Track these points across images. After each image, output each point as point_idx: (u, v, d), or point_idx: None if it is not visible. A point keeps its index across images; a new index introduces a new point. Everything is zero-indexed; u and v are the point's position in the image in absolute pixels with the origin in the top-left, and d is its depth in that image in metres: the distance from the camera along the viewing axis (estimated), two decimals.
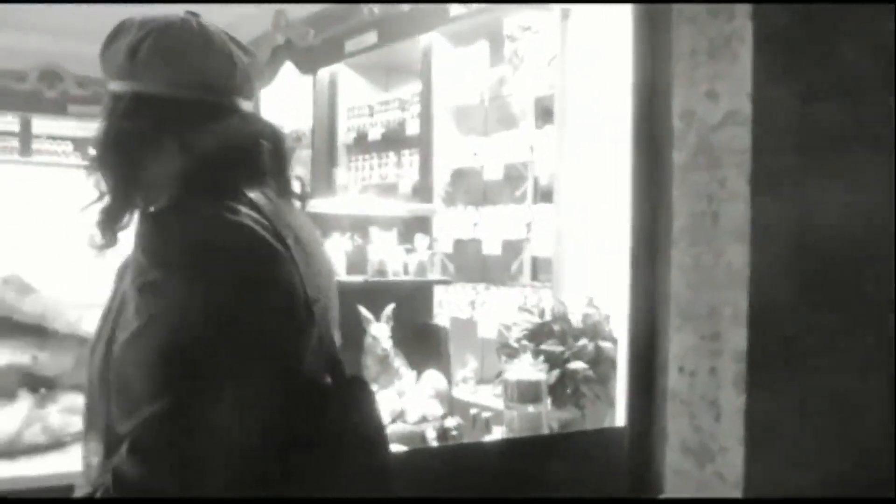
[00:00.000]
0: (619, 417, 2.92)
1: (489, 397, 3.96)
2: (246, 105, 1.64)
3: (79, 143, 8.83)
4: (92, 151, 1.61)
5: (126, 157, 1.57)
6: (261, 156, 1.60)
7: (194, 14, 1.63)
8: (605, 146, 3.71)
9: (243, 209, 1.48)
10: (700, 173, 2.07)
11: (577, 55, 4.08)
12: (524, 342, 3.05)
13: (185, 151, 1.53)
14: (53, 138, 8.74)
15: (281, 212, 1.56)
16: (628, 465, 2.24)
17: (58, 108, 8.09)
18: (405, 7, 5.16)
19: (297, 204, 1.68)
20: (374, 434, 1.63)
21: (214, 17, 1.68)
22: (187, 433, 1.36)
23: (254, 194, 1.52)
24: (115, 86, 1.59)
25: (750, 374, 1.96)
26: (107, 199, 1.59)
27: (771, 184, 1.99)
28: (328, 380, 1.58)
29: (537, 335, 3.13)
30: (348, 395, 1.60)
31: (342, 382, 1.60)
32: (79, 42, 7.14)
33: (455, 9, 4.90)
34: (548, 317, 3.21)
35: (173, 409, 1.36)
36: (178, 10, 1.65)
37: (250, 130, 1.61)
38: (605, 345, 3.09)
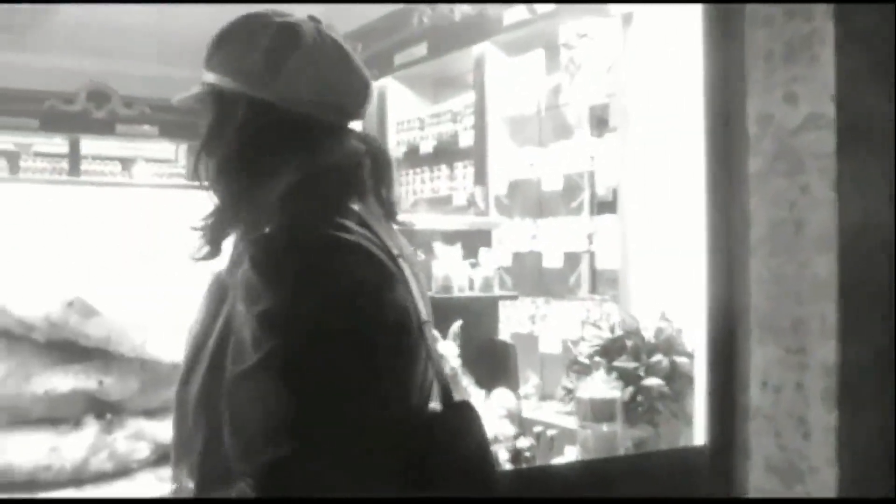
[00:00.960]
0: (696, 435, 2.84)
1: (552, 414, 3.88)
2: (358, 123, 1.61)
3: (126, 163, 8.89)
4: (200, 160, 1.54)
5: (243, 171, 1.51)
6: (369, 176, 1.56)
7: (316, 20, 1.57)
8: (670, 153, 3.63)
9: (357, 228, 1.44)
10: (779, 179, 1.99)
11: (639, 61, 3.99)
12: (596, 358, 2.96)
13: (301, 169, 1.48)
14: (100, 159, 8.78)
15: (388, 231, 1.53)
16: (710, 485, 2.17)
17: (106, 128, 8.12)
18: (456, 17, 5.10)
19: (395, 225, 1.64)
20: (482, 458, 1.57)
21: None
22: (318, 476, 1.32)
23: (363, 213, 1.49)
24: (236, 87, 1.51)
25: (841, 389, 1.87)
26: (216, 211, 1.53)
27: (859, 189, 1.90)
28: (437, 403, 1.53)
29: (609, 351, 3.05)
30: (457, 419, 1.54)
31: (451, 404, 1.54)
32: (125, 62, 7.22)
33: (509, 17, 4.83)
34: (618, 331, 3.12)
35: (303, 453, 1.31)
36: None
37: (364, 151, 1.57)
38: (681, 360, 3.01)
